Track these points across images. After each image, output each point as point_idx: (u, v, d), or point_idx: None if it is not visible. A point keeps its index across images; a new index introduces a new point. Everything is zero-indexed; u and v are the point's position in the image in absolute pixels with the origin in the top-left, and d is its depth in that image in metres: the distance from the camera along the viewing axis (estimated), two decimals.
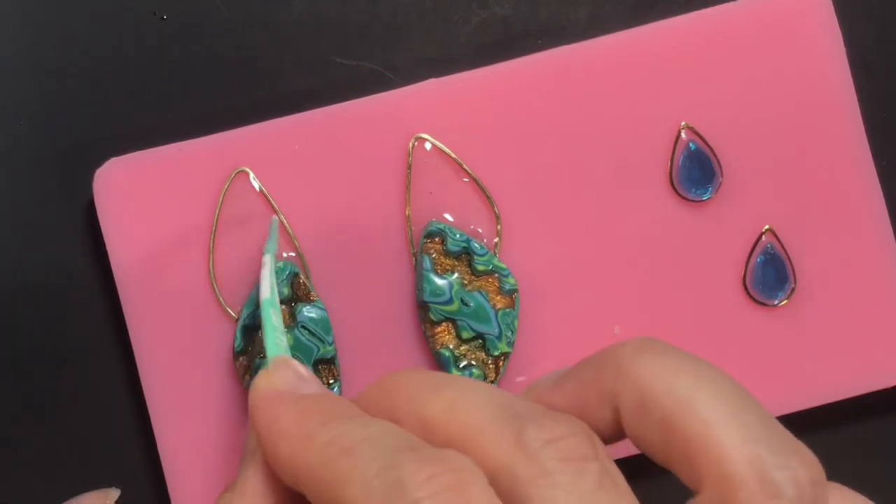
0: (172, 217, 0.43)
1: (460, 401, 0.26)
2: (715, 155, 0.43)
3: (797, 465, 0.24)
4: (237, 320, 0.42)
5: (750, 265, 0.43)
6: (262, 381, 0.28)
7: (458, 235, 0.42)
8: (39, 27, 0.45)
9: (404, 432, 0.25)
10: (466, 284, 0.42)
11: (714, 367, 0.26)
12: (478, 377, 0.42)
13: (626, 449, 0.37)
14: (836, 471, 0.44)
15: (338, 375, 0.42)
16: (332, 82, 0.45)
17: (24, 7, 0.45)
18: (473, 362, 0.42)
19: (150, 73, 0.45)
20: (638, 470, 0.44)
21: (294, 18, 0.45)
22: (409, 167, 0.43)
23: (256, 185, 0.43)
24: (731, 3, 0.44)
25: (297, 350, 0.42)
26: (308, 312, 0.42)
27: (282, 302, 0.42)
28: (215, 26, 0.45)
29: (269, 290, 0.34)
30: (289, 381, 0.28)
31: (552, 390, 0.27)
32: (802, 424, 0.44)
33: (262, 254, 0.37)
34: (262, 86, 0.45)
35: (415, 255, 0.43)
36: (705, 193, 0.43)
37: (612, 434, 0.27)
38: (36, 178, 0.44)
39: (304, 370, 0.29)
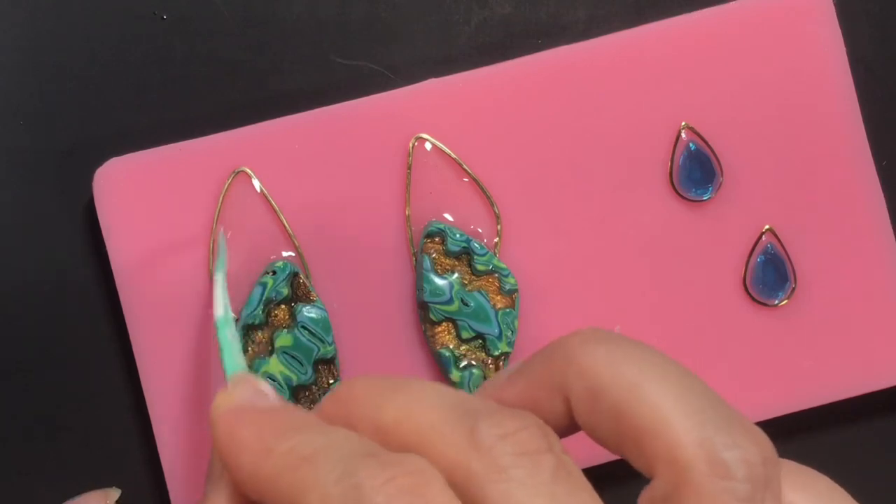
0: (172, 217, 0.43)
1: (413, 404, 0.26)
2: (715, 155, 0.43)
3: (747, 444, 0.24)
4: (237, 321, 0.42)
5: (750, 265, 0.43)
6: (221, 399, 0.28)
7: (458, 235, 0.42)
8: (39, 27, 0.44)
9: (362, 439, 0.25)
10: (466, 284, 0.42)
11: (661, 354, 0.26)
12: (478, 377, 0.42)
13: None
14: (835, 470, 0.44)
15: (338, 375, 0.42)
16: (332, 82, 0.45)
17: (24, 7, 0.44)
18: (474, 362, 0.42)
19: (150, 73, 0.45)
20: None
21: (294, 18, 0.45)
22: (409, 167, 0.43)
23: (256, 185, 0.43)
24: (731, 4, 0.44)
25: (297, 350, 0.42)
26: (308, 312, 0.42)
27: (282, 302, 0.42)
28: (215, 26, 0.45)
29: (221, 308, 0.34)
30: (248, 397, 0.28)
31: (504, 386, 0.27)
32: (802, 424, 0.44)
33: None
34: (262, 86, 0.45)
35: (415, 255, 0.43)
36: (705, 193, 0.43)
37: (566, 426, 0.27)
38: (36, 178, 0.44)
39: (263, 385, 0.28)
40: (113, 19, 0.45)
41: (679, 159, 0.43)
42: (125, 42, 0.45)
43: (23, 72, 0.44)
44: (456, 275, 0.42)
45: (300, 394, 0.42)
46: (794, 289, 0.43)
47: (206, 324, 0.43)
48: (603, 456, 0.43)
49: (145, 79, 0.45)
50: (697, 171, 0.43)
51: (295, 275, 0.42)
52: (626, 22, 0.44)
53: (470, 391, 0.42)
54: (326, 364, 0.42)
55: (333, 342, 0.42)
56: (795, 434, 0.44)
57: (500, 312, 0.42)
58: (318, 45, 0.45)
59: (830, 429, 0.45)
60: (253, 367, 0.42)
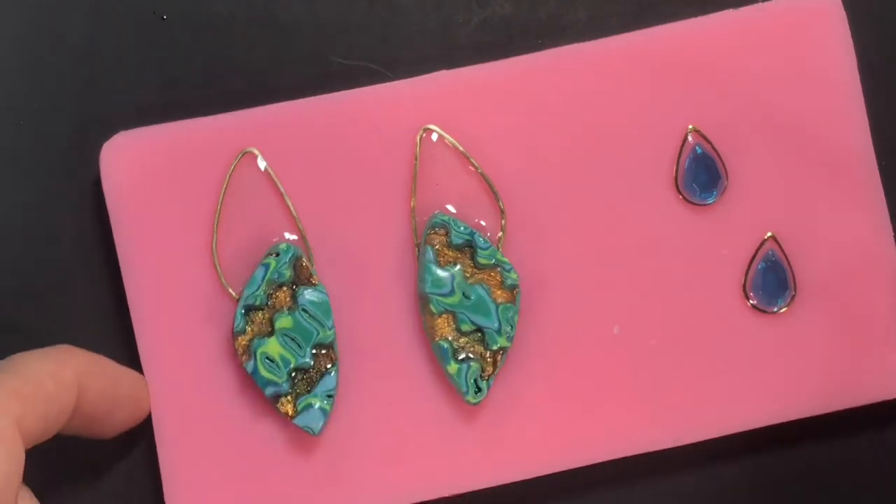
0: (178, 193, 0.43)
1: None
2: (721, 159, 0.44)
3: None
4: (238, 300, 0.42)
5: (751, 271, 0.44)
6: None
7: (462, 228, 0.42)
8: (39, 27, 0.44)
9: None
10: (468, 277, 0.42)
11: None
12: (475, 370, 0.42)
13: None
14: (835, 480, 0.44)
15: (335, 360, 0.42)
16: (332, 82, 0.45)
17: (24, 7, 0.44)
18: (471, 355, 0.42)
19: (150, 73, 0.45)
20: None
21: (294, 18, 0.45)
22: (417, 157, 0.43)
23: (263, 166, 0.43)
24: (744, 8, 0.44)
25: (297, 332, 0.41)
26: (309, 296, 0.42)
27: (283, 284, 0.42)
28: (215, 26, 0.45)
29: None
30: None
31: None
32: (806, 432, 0.44)
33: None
34: (262, 86, 0.45)
35: (418, 245, 0.43)
36: (710, 197, 0.44)
37: None
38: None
39: None
40: (112, 19, 0.44)
41: (685, 162, 0.44)
42: (125, 42, 0.44)
43: (23, 71, 0.44)
44: (458, 267, 0.42)
45: (297, 376, 0.41)
46: (794, 296, 0.43)
47: (207, 302, 0.42)
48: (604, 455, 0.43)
49: (144, 78, 0.45)
50: (703, 175, 0.44)
51: (298, 258, 0.42)
52: (625, 22, 0.45)
53: (466, 384, 0.42)
54: (325, 348, 0.42)
55: (333, 327, 0.42)
56: (788, 444, 0.44)
57: (501, 307, 0.42)
58: (318, 45, 0.45)
59: (829, 439, 0.45)
60: (251, 346, 0.41)
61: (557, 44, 0.44)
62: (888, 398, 0.43)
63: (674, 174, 0.44)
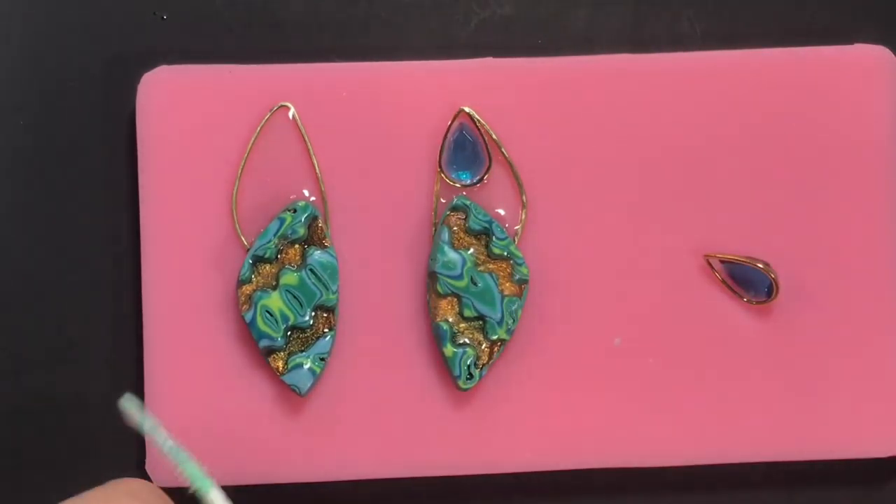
0: (209, 135, 0.43)
1: None
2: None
3: None
4: (248, 249, 0.42)
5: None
6: None
7: (482, 215, 0.42)
8: (38, 27, 0.44)
9: None
10: (479, 264, 0.42)
11: None
12: (471, 357, 0.42)
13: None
14: None
15: (334, 325, 0.42)
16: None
17: (23, 8, 0.45)
18: (469, 341, 0.42)
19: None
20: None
21: (294, 18, 0.45)
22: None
23: (297, 122, 0.43)
24: (794, 49, 0.44)
25: (301, 291, 0.42)
26: (319, 257, 0.42)
27: (296, 241, 0.42)
28: (215, 26, 0.45)
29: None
30: None
31: None
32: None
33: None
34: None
35: (435, 225, 0.43)
36: None
37: None
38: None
39: None
40: (112, 19, 0.45)
41: None
42: (124, 42, 0.45)
43: (21, 71, 0.44)
44: (471, 251, 0.42)
45: (293, 334, 0.42)
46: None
47: (219, 247, 0.43)
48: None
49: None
50: None
51: (314, 218, 0.42)
52: (625, 22, 0.45)
53: (460, 369, 0.42)
54: (326, 312, 0.42)
55: (337, 292, 0.42)
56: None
57: (506, 299, 0.42)
58: (318, 45, 0.45)
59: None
60: (253, 297, 0.42)
61: (558, 44, 0.44)
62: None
63: None
